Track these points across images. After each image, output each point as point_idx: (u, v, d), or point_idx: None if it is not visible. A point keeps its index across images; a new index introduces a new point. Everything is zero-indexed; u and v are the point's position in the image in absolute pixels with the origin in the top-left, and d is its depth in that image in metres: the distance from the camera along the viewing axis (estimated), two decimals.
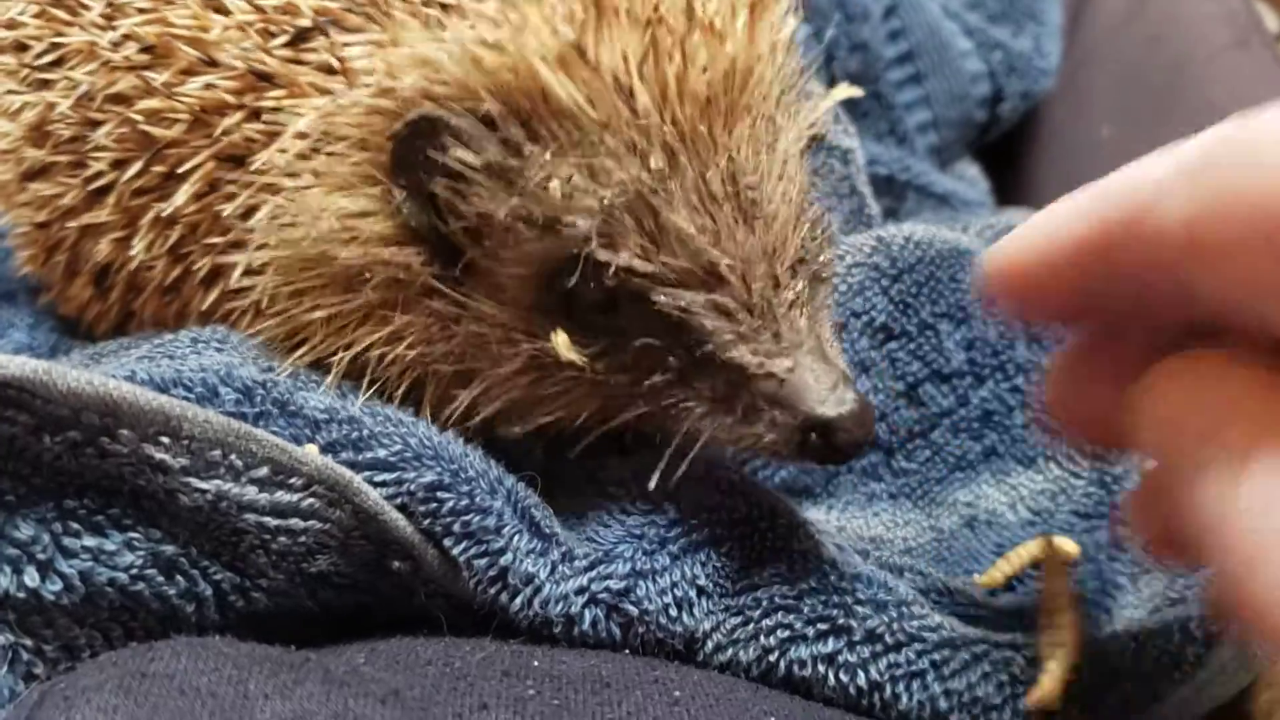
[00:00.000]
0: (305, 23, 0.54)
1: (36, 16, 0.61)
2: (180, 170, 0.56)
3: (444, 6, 0.50)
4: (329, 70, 0.53)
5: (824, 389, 0.48)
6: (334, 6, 0.53)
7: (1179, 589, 0.62)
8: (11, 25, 0.62)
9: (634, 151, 0.47)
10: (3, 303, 0.77)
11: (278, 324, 0.55)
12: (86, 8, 0.59)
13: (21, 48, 0.62)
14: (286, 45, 0.54)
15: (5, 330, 0.70)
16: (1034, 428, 0.70)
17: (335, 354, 0.54)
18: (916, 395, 0.71)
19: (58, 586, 0.47)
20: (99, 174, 0.59)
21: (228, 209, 0.55)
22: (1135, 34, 1.12)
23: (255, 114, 0.54)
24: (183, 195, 0.55)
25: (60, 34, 0.60)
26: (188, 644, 0.47)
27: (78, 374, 0.45)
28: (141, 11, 0.57)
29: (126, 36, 0.57)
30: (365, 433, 0.51)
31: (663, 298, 0.48)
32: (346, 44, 0.52)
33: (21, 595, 0.46)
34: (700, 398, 0.50)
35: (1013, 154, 1.13)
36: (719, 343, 0.49)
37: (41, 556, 0.46)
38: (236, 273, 0.55)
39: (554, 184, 0.47)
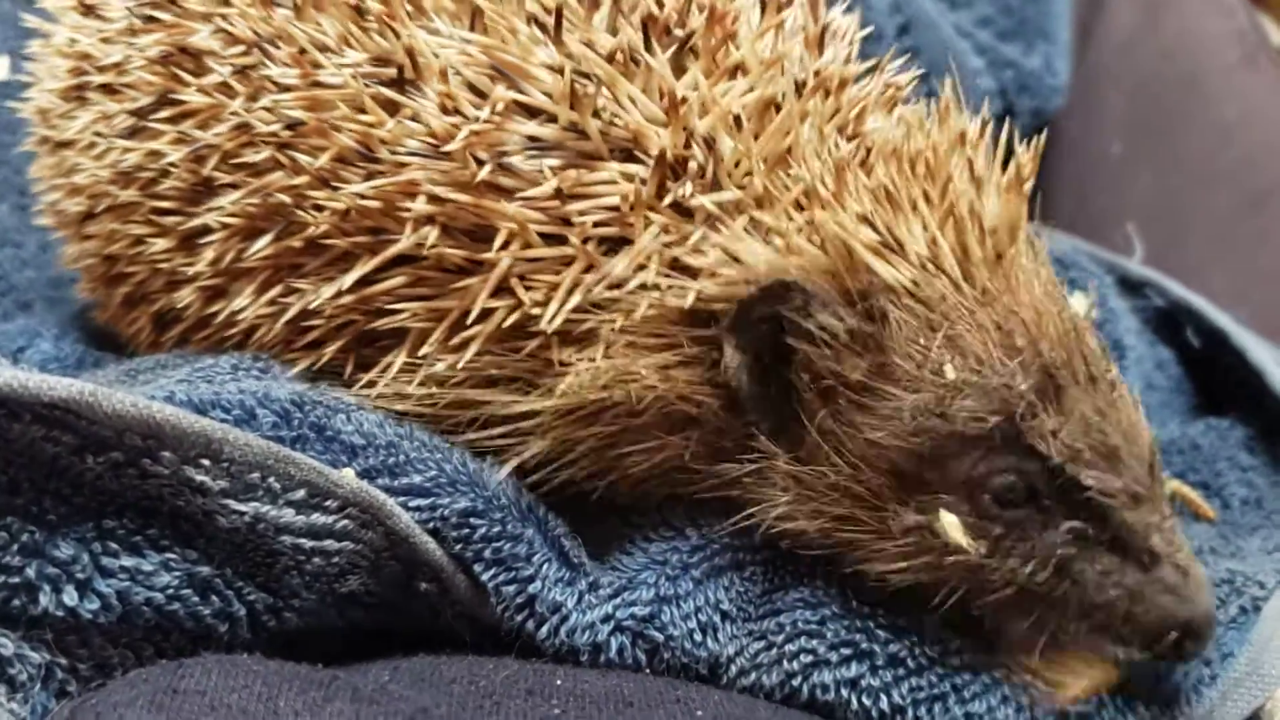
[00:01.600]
0: (513, 146, 0.52)
1: (144, 67, 0.60)
2: (328, 256, 0.56)
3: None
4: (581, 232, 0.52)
5: (1204, 591, 0.51)
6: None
7: None
8: (107, 70, 0.62)
9: (1022, 332, 0.50)
10: (22, 312, 0.78)
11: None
12: (208, 71, 0.58)
13: (113, 92, 0.62)
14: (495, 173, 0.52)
15: (32, 340, 0.70)
16: None
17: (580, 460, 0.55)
18: None
19: (95, 605, 0.47)
20: (205, 229, 0.58)
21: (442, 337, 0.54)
22: (1145, 52, 1.13)
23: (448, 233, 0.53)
24: (333, 289, 0.55)
25: (174, 90, 0.59)
26: (218, 661, 0.48)
27: (122, 396, 0.45)
28: (285, 87, 0.56)
29: (267, 109, 0.55)
30: (402, 458, 0.52)
31: (1091, 481, 0.49)
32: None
33: (60, 614, 0.47)
34: (1084, 584, 0.51)
35: None
36: (1143, 530, 0.50)
37: (80, 576, 0.47)
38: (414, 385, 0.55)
39: (950, 371, 0.49)
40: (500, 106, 0.52)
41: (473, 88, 0.53)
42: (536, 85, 0.53)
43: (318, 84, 0.55)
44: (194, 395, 0.50)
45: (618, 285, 0.52)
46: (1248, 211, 1.01)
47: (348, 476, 0.50)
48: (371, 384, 0.56)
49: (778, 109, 0.53)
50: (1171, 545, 0.50)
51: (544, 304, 0.52)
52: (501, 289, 0.53)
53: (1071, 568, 0.51)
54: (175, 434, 0.46)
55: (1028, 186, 0.54)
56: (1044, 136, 0.56)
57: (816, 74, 0.55)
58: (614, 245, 0.53)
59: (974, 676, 0.53)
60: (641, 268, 0.52)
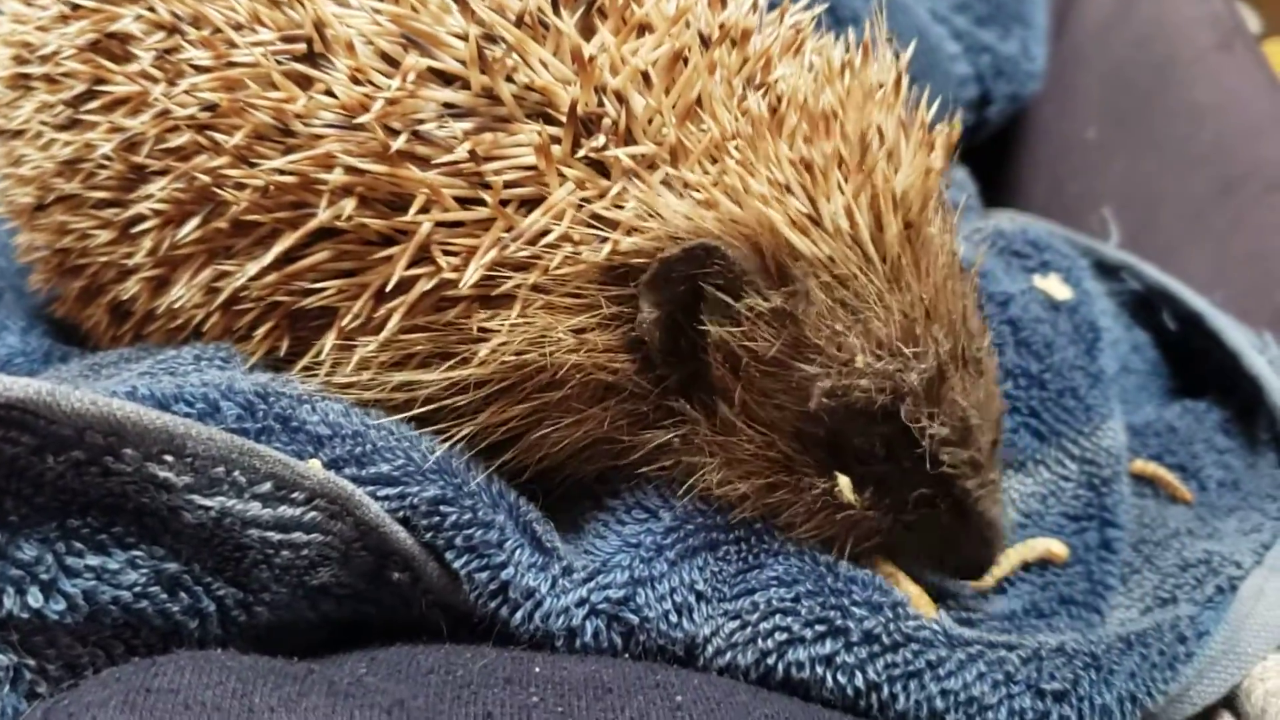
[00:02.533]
0: (427, 114, 0.53)
1: (73, 57, 0.60)
2: (255, 235, 0.56)
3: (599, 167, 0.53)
4: (470, 178, 0.52)
5: (1004, 538, 0.59)
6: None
7: (1169, 588, 0.63)
8: (46, 59, 0.62)
9: (922, 323, 0.53)
10: None
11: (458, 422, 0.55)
12: (133, 58, 0.58)
13: (53, 82, 0.61)
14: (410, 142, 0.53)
15: None
16: (1022, 430, 0.71)
17: (512, 441, 0.55)
18: None
19: (61, 606, 0.47)
20: (139, 218, 0.58)
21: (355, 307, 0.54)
22: (1121, 37, 1.13)
23: (365, 203, 0.53)
24: (257, 266, 0.55)
25: (102, 79, 0.59)
26: (191, 658, 0.47)
27: (81, 394, 0.45)
28: (201, 69, 0.56)
29: (187, 92, 0.56)
30: (369, 447, 0.52)
31: (945, 457, 0.54)
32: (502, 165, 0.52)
33: (25, 615, 0.46)
34: (921, 528, 0.57)
35: (999, 156, 1.14)
36: (974, 495, 0.56)
37: (45, 576, 0.47)
38: (353, 362, 0.55)
39: (859, 357, 0.52)
40: (412, 75, 0.53)
41: (385, 57, 0.54)
42: (448, 52, 0.53)
43: (231, 63, 0.55)
44: (156, 389, 0.50)
45: (534, 241, 0.52)
46: (1222, 195, 1.02)
47: (314, 468, 0.50)
48: (311, 371, 0.56)
49: (685, 63, 0.53)
50: (992, 504, 0.57)
51: (462, 268, 0.52)
52: (421, 258, 0.53)
53: (918, 522, 0.57)
54: (137, 431, 0.46)
55: (940, 156, 0.56)
56: (957, 114, 0.58)
57: (721, 26, 0.55)
58: (531, 205, 0.53)
59: (949, 653, 0.53)
60: (557, 221, 0.52)
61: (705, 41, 0.54)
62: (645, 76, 0.53)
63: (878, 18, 0.58)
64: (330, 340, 0.55)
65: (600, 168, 0.53)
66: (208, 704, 0.45)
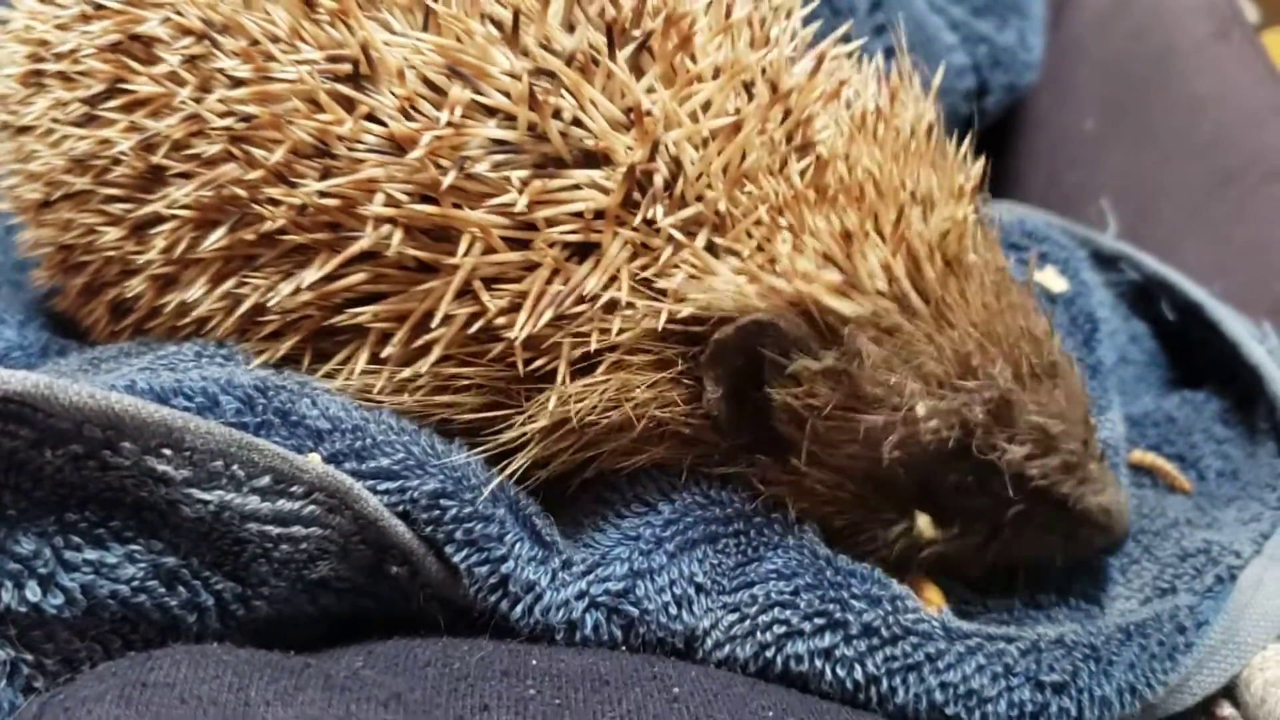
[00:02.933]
0: (476, 151, 0.52)
1: (93, 56, 0.59)
2: (280, 250, 0.55)
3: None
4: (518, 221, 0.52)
5: (1126, 515, 0.59)
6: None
7: (1168, 578, 0.63)
8: (62, 58, 0.61)
9: (978, 353, 0.54)
10: None
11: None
12: (158, 60, 0.57)
13: (68, 80, 0.61)
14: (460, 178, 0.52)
15: None
16: None
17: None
18: None
19: (59, 600, 0.47)
20: (156, 218, 0.58)
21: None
22: (1118, 27, 1.13)
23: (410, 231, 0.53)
24: (291, 286, 0.55)
25: (123, 79, 0.58)
26: (187, 652, 0.47)
27: (80, 387, 0.45)
28: (237, 80, 0.55)
29: (223, 102, 0.55)
30: (369, 441, 0.51)
31: (1035, 471, 0.55)
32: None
33: (23, 610, 0.46)
34: (1029, 534, 0.58)
35: (997, 147, 1.14)
36: (1076, 494, 0.56)
37: (43, 571, 0.46)
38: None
39: (919, 402, 0.53)
40: (459, 109, 0.52)
41: (429, 84, 0.53)
42: (493, 84, 0.53)
43: (270, 78, 0.54)
44: (155, 383, 0.50)
45: (588, 301, 0.52)
46: (1221, 186, 1.01)
47: (313, 461, 0.50)
48: (331, 376, 0.55)
49: (737, 127, 0.54)
50: (1096, 495, 0.57)
51: (509, 311, 0.52)
52: (464, 292, 0.53)
53: (1020, 536, 0.58)
54: (135, 424, 0.46)
55: (969, 200, 0.57)
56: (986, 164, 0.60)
57: (764, 73, 0.56)
58: (580, 252, 0.53)
59: (948, 645, 0.53)
60: (612, 281, 0.52)
61: (750, 93, 0.55)
62: (704, 140, 0.53)
63: (898, 41, 0.60)
64: (362, 361, 0.55)
65: (650, 224, 0.53)
66: (204, 698, 0.45)
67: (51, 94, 0.61)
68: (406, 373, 0.54)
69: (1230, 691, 0.57)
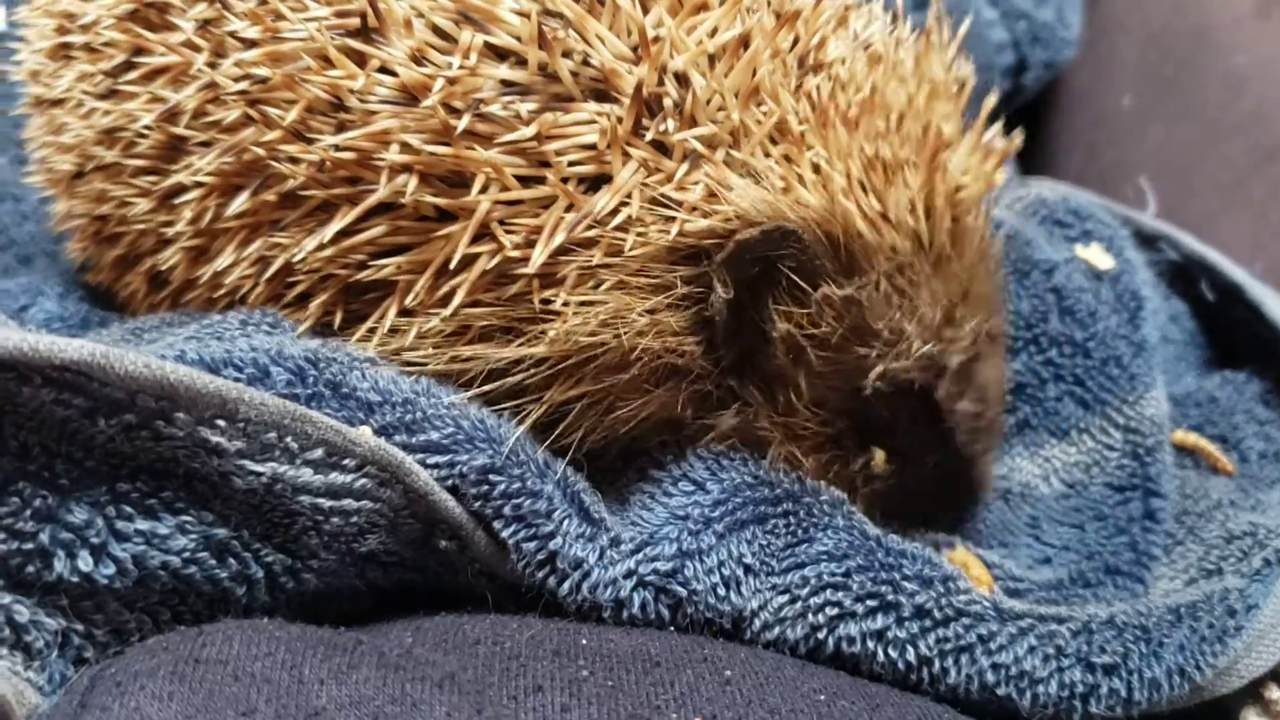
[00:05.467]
0: (488, 93, 0.52)
1: (113, 26, 0.59)
2: (304, 209, 0.55)
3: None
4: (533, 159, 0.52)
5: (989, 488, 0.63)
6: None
7: (1214, 560, 0.63)
8: (87, 29, 0.61)
9: (961, 307, 0.56)
10: (23, 268, 0.76)
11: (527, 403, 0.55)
12: (173, 28, 0.57)
13: (94, 51, 0.60)
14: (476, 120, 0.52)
15: (35, 299, 0.68)
16: (1065, 399, 0.70)
17: (577, 420, 0.55)
18: None
19: (111, 570, 0.47)
20: (180, 188, 0.57)
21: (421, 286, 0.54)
22: (1157, 4, 1.11)
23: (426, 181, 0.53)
24: (315, 242, 0.54)
25: (142, 49, 0.58)
26: (239, 628, 0.47)
27: (135, 356, 0.44)
28: (249, 43, 0.55)
29: (237, 65, 0.55)
30: (419, 415, 0.51)
31: (967, 427, 0.58)
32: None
33: (75, 580, 0.46)
34: (928, 489, 0.61)
35: (1035, 124, 1.12)
36: (980, 460, 0.60)
37: (95, 540, 0.46)
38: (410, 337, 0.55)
39: (914, 343, 0.55)
40: (471, 54, 0.52)
41: (439, 32, 0.53)
42: (504, 28, 0.52)
43: (280, 37, 0.54)
44: (205, 354, 0.49)
45: (600, 223, 0.52)
46: (1260, 164, 1.00)
47: (365, 435, 0.49)
48: (367, 341, 0.55)
49: (745, 45, 0.53)
50: (988, 466, 0.62)
51: (525, 246, 0.52)
52: (482, 235, 0.53)
53: (930, 483, 0.61)
54: (189, 395, 0.45)
55: (994, 167, 0.59)
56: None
57: (768, 2, 0.55)
58: (593, 184, 0.53)
59: (1000, 627, 0.52)
60: (624, 203, 0.52)
61: (761, 21, 0.54)
62: (710, 59, 0.53)
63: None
64: (391, 314, 0.54)
65: (663, 148, 0.52)
66: (257, 675, 0.44)
67: (78, 66, 0.61)
68: (432, 322, 0.54)
69: (1278, 675, 0.57)
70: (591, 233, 0.52)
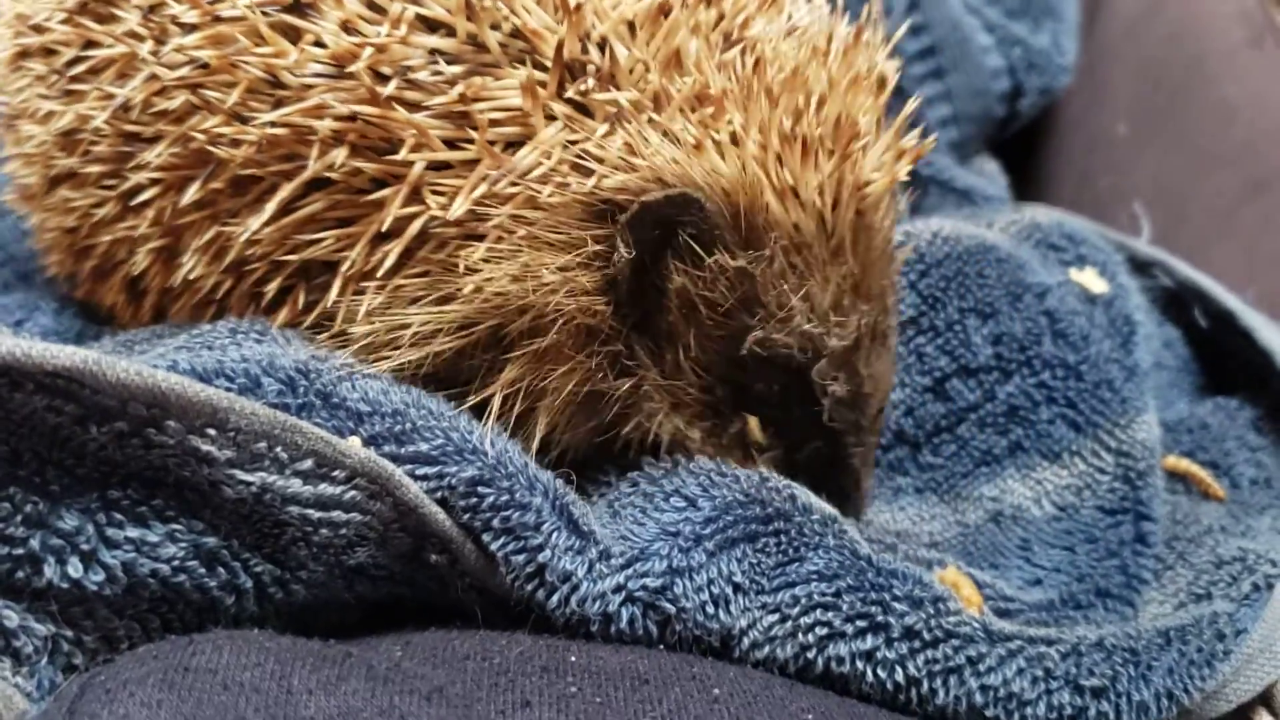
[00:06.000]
0: (417, 60, 0.53)
1: (64, 22, 0.60)
2: (254, 192, 0.56)
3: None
4: (461, 120, 0.53)
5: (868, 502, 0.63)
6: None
7: (1204, 584, 0.63)
8: (39, 29, 0.61)
9: (850, 296, 0.57)
10: (21, 283, 0.77)
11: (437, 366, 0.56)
12: (118, 19, 0.58)
13: (49, 52, 0.61)
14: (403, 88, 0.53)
15: (31, 314, 0.69)
16: (1058, 421, 0.71)
17: (502, 389, 0.56)
18: (943, 390, 0.71)
19: (100, 577, 0.47)
20: (138, 188, 0.58)
21: (353, 253, 0.55)
22: (1151, 32, 1.12)
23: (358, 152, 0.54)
24: (258, 220, 0.55)
25: (90, 42, 0.59)
26: (229, 638, 0.47)
27: (127, 364, 0.44)
28: (188, 27, 0.55)
29: (176, 51, 0.55)
30: (408, 426, 0.51)
31: (837, 415, 0.59)
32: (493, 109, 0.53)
33: (64, 586, 0.46)
34: (807, 468, 0.61)
35: (1029, 150, 1.13)
36: (850, 453, 0.61)
37: (85, 547, 0.46)
38: (361, 311, 0.55)
39: (796, 318, 0.56)
40: (402, 24, 0.53)
41: (373, 5, 0.54)
42: (436, 1, 0.54)
43: (218, 19, 0.55)
44: (197, 364, 0.49)
45: (522, 177, 0.53)
46: (1252, 194, 1.01)
47: (355, 446, 0.49)
48: (326, 329, 0.56)
49: (666, 15, 0.55)
50: (862, 463, 0.62)
51: (450, 206, 0.53)
52: (413, 200, 0.54)
53: (808, 462, 0.61)
54: (180, 403, 0.46)
55: (905, 166, 0.59)
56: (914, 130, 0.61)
57: None
58: (517, 146, 0.54)
59: (989, 648, 0.52)
60: (545, 157, 0.53)
61: None
62: (630, 26, 0.54)
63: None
64: (335, 288, 0.55)
65: (585, 110, 0.54)
66: (246, 685, 0.44)
67: (35, 70, 0.62)
68: (372, 289, 0.55)
69: (1268, 700, 0.57)
70: (513, 189, 0.53)
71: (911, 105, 0.60)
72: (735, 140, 0.54)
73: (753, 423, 0.59)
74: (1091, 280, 0.76)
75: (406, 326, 0.55)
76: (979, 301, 0.72)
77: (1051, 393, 0.71)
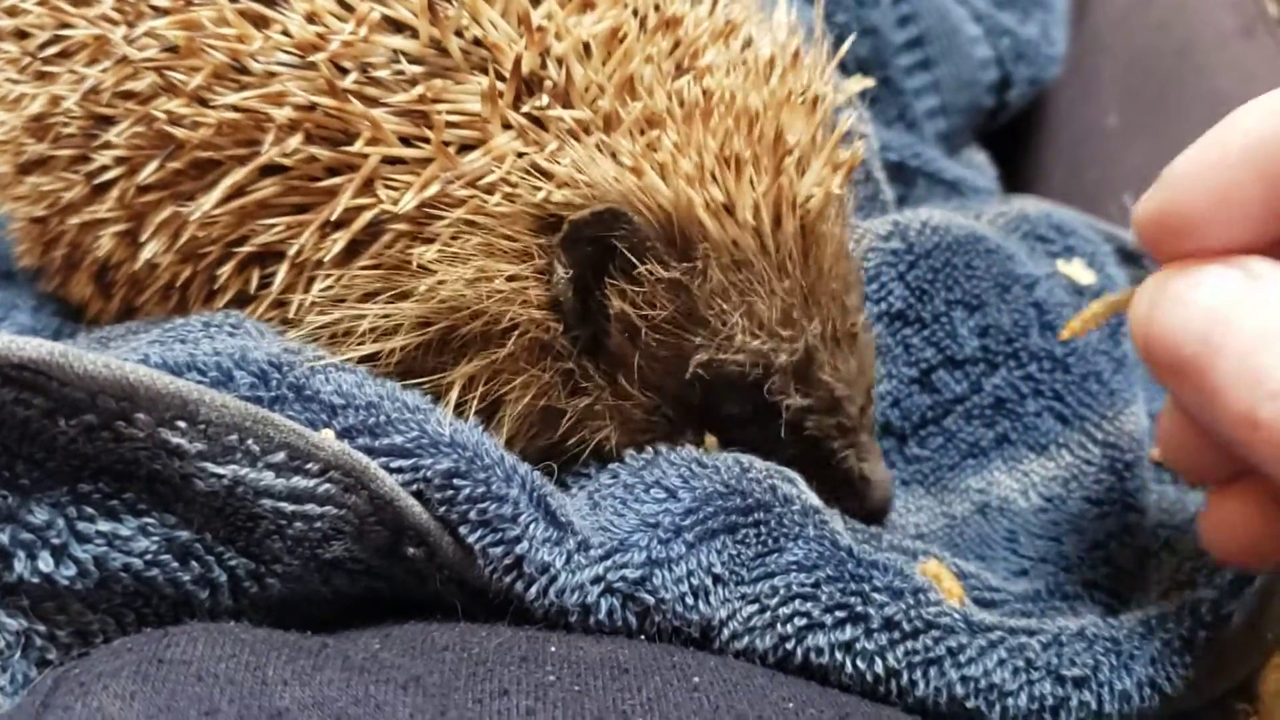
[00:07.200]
0: (378, 59, 0.54)
1: (40, 4, 0.60)
2: (211, 175, 0.56)
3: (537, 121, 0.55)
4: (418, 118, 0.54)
5: (887, 488, 0.63)
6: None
7: (1187, 571, 0.63)
8: (12, 12, 0.61)
9: (799, 308, 0.58)
10: (3, 282, 0.77)
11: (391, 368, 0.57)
12: (92, 3, 0.58)
13: (22, 35, 0.61)
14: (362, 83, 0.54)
15: (8, 312, 0.69)
16: (1045, 414, 0.70)
17: (459, 396, 0.57)
18: (929, 381, 0.71)
19: (72, 571, 0.46)
20: (103, 168, 0.58)
21: (301, 244, 0.56)
22: (1141, 22, 1.11)
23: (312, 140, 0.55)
24: (210, 200, 0.56)
25: (65, 24, 0.59)
26: (204, 629, 0.47)
27: (95, 356, 0.44)
28: (160, 10, 0.56)
29: (147, 34, 0.56)
30: (382, 418, 0.51)
31: (810, 423, 0.59)
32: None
33: (35, 580, 0.46)
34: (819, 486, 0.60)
35: (1018, 141, 1.13)
36: (840, 456, 0.61)
37: (56, 541, 0.46)
38: (312, 293, 0.56)
39: (739, 336, 0.57)
40: (367, 22, 0.54)
41: (342, 2, 0.55)
42: (403, 4, 0.55)
43: (190, 3, 0.56)
44: (169, 357, 0.49)
45: (473, 182, 0.54)
46: None
47: (328, 439, 0.49)
48: (281, 316, 0.57)
49: (622, 41, 0.56)
50: (861, 461, 0.61)
51: (400, 199, 0.54)
52: (365, 192, 0.55)
53: (804, 473, 0.60)
54: (150, 395, 0.45)
55: (842, 178, 0.60)
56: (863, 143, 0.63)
57: (656, 8, 0.58)
58: (472, 149, 0.54)
59: (970, 639, 0.52)
60: (497, 164, 0.54)
61: (643, 24, 0.57)
62: (586, 48, 0.55)
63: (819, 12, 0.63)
64: (282, 271, 0.56)
65: (540, 124, 0.54)
66: (220, 676, 0.44)
67: (9, 54, 0.62)
68: (321, 279, 0.55)
69: (1247, 688, 0.56)
70: (463, 193, 0.53)
71: (846, 123, 0.61)
72: (672, 160, 0.55)
73: (710, 441, 0.60)
74: (1079, 271, 0.76)
75: (362, 318, 0.55)
76: (966, 293, 0.71)
77: (1039, 385, 0.70)
